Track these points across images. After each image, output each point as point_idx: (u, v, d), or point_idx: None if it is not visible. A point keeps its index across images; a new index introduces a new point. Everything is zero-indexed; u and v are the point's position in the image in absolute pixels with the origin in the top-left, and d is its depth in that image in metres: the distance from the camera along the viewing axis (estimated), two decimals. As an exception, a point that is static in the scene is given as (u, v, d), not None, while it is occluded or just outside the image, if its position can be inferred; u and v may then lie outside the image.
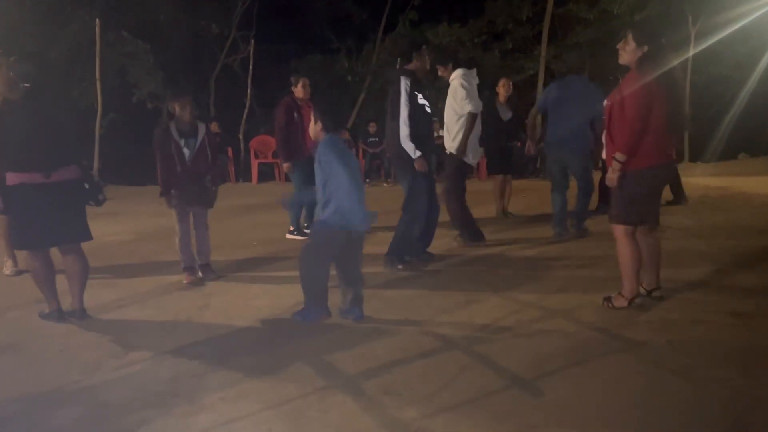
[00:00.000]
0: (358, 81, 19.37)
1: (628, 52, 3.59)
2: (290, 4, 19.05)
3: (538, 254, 5.34)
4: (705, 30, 13.88)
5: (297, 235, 6.32)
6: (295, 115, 6.24)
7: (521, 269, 4.85)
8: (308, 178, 5.15)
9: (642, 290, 3.76)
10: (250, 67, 15.91)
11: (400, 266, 4.79)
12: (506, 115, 7.20)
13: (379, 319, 3.68)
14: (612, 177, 3.62)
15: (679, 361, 2.93)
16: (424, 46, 4.89)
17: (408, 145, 4.66)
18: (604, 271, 4.48)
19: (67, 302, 3.87)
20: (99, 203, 3.92)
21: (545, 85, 10.03)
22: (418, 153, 4.65)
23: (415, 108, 4.67)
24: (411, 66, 4.79)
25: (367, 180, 13.15)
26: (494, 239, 5.97)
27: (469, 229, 5.71)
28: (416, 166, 4.67)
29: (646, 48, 3.52)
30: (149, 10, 15.31)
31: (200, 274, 4.76)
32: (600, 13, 15.81)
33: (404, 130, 4.65)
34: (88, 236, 3.89)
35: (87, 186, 3.83)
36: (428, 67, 4.94)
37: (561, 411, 2.47)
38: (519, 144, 8.23)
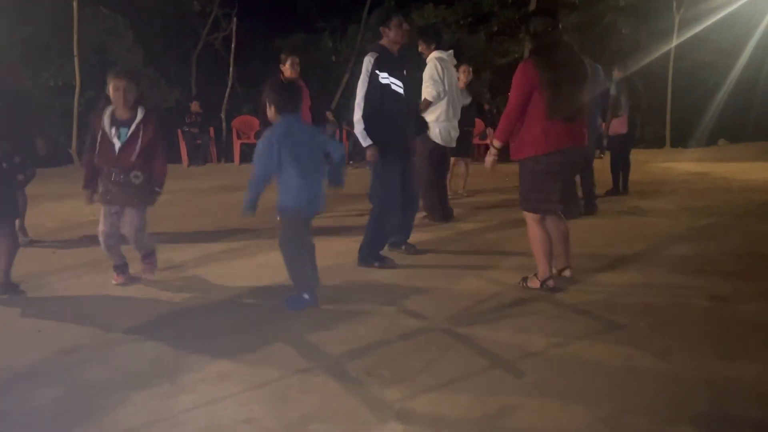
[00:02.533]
0: (343, 61, 19.19)
1: (525, 44, 3.78)
2: (274, -18, 18.76)
3: (519, 236, 5.36)
4: (689, 16, 13.94)
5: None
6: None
7: (503, 251, 4.87)
8: None
9: (554, 271, 3.85)
10: (233, 46, 15.66)
11: (377, 264, 4.35)
12: (465, 100, 7.24)
13: (362, 301, 3.67)
14: (488, 160, 3.89)
15: (659, 343, 2.97)
16: (394, 18, 4.27)
17: (358, 130, 4.20)
18: (588, 254, 4.51)
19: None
20: (20, 184, 3.90)
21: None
22: (369, 141, 4.15)
23: (375, 88, 4.15)
24: (383, 41, 4.29)
25: (351, 162, 13.09)
26: (473, 222, 6.00)
27: (436, 209, 5.93)
28: (367, 155, 4.22)
29: (528, 37, 3.82)
30: (129, -15, 14.95)
31: (141, 270, 4.25)
32: (585, -2, 15.81)
33: (356, 112, 4.20)
34: (13, 213, 3.87)
35: (4, 165, 3.69)
36: (402, 40, 4.28)
37: (542, 391, 2.49)
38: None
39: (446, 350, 2.92)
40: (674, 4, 14.35)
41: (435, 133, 5.70)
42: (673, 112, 15.22)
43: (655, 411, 2.32)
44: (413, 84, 4.46)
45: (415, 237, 4.96)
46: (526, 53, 3.86)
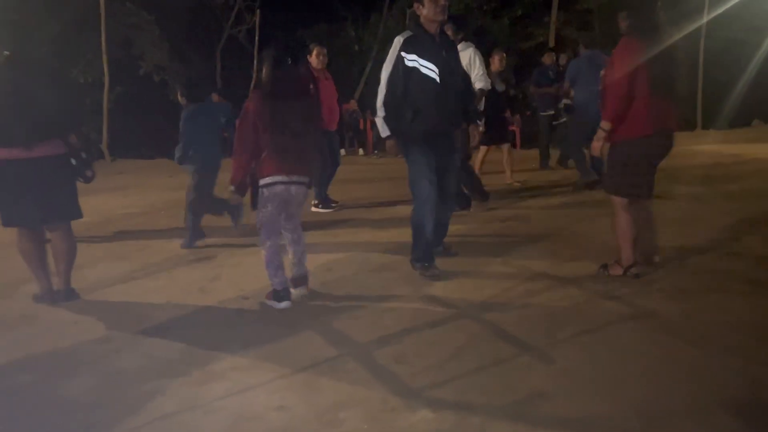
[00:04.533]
0: (366, 50, 19.14)
1: (620, 19, 3.63)
2: (296, -27, 18.77)
3: (547, 223, 5.31)
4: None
5: (322, 208, 6.25)
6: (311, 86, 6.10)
7: (531, 238, 4.82)
8: (322, 151, 5.04)
9: (640, 258, 3.72)
10: (256, 38, 15.75)
11: (417, 267, 3.94)
12: (499, 87, 7.18)
13: (388, 290, 3.68)
14: (595, 145, 3.66)
15: (692, 329, 2.91)
16: None
17: (379, 120, 3.89)
18: (615, 239, 4.43)
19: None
20: (87, 180, 3.71)
21: (557, 52, 9.85)
22: (387, 132, 3.84)
23: (399, 71, 3.77)
24: (421, 19, 3.84)
25: (376, 152, 13.08)
26: (502, 208, 5.95)
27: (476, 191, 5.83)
28: (387, 148, 3.93)
29: (625, 13, 3.58)
30: (154, -20, 15.12)
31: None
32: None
33: (379, 99, 3.87)
34: (77, 214, 3.71)
35: (74, 162, 3.62)
36: (438, 17, 3.79)
37: (572, 379, 2.47)
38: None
39: (474, 337, 2.91)
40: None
41: None
42: (704, 93, 14.84)
43: (689, 398, 2.28)
44: (456, 67, 3.99)
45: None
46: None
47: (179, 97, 5.21)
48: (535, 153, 9.63)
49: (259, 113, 3.41)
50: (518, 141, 12.48)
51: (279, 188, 3.45)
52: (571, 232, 4.91)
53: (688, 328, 2.92)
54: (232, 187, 3.58)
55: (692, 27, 13.32)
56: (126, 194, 8.05)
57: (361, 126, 13.62)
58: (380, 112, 3.86)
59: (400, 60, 3.77)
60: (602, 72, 3.80)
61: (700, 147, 10.51)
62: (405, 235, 4.91)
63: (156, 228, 5.84)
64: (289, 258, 3.63)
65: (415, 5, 3.83)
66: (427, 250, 3.92)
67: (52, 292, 3.72)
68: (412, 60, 3.77)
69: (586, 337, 2.87)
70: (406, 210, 5.95)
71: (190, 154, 4.98)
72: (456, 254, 4.30)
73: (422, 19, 3.82)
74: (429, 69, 3.77)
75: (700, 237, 4.49)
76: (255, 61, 15.66)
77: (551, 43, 15.74)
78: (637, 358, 2.63)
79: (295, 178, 3.48)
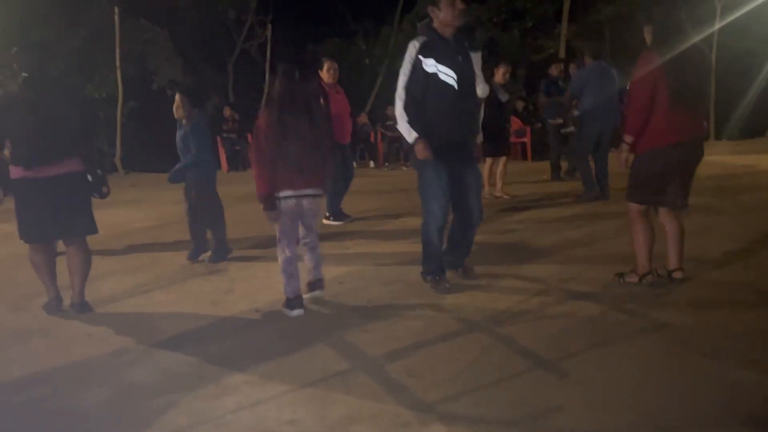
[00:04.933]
0: (376, 64, 19.26)
1: (645, 33, 3.65)
2: (307, -12, 18.99)
3: (557, 237, 5.28)
4: (731, 3, 13.52)
5: (333, 220, 6.23)
6: (321, 100, 6.13)
7: (542, 250, 4.80)
8: (334, 163, 5.05)
9: (662, 270, 3.72)
10: (268, 52, 15.89)
11: (428, 280, 3.88)
12: (503, 97, 7.18)
13: (400, 302, 3.68)
14: (620, 158, 3.66)
15: (706, 341, 2.88)
16: None
17: (402, 125, 3.66)
18: (627, 250, 4.40)
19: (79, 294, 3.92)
20: (102, 195, 3.81)
21: (566, 63, 9.89)
22: (415, 135, 3.60)
23: (418, 77, 3.60)
24: (435, 23, 3.69)
25: (386, 164, 13.12)
26: (511, 220, 5.93)
27: None
28: (416, 152, 3.65)
29: (651, 27, 3.59)
30: (167, -3, 15.36)
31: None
32: (623, -8, 15.51)
33: (397, 105, 3.68)
34: (92, 229, 3.77)
35: (90, 178, 3.71)
36: (455, 22, 3.64)
37: (586, 392, 2.45)
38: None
39: (488, 351, 2.90)
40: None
41: None
42: (717, 103, 14.76)
43: (703, 410, 2.26)
44: (472, 74, 3.80)
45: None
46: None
47: (180, 110, 4.86)
48: (545, 165, 9.61)
49: (269, 127, 3.48)
50: (529, 152, 12.48)
51: (290, 202, 3.54)
52: (582, 244, 4.89)
53: (702, 340, 2.89)
54: (262, 202, 3.57)
55: (703, 35, 13.34)
56: (139, 207, 8.12)
57: (372, 139, 13.67)
58: (402, 118, 3.66)
59: (418, 64, 3.61)
60: (616, 82, 3.85)
61: (713, 157, 10.42)
62: (416, 247, 4.90)
63: (169, 241, 5.88)
64: (305, 264, 3.73)
65: (430, 9, 3.69)
66: (437, 262, 3.86)
67: (60, 300, 3.79)
68: (431, 65, 3.61)
69: (600, 349, 2.85)
70: (416, 222, 5.96)
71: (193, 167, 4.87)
72: (475, 279, 4.03)
73: (437, 24, 3.67)
74: (448, 75, 3.63)
75: (713, 248, 4.45)
76: (267, 75, 15.82)
77: (561, 55, 15.77)
78: (651, 371, 2.61)
79: (305, 191, 3.55)
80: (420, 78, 3.61)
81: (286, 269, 3.59)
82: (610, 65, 7.15)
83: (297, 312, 3.53)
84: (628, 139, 3.58)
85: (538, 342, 2.95)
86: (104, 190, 3.80)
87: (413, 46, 3.64)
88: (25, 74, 3.56)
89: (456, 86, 3.64)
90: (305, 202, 3.58)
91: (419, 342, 3.03)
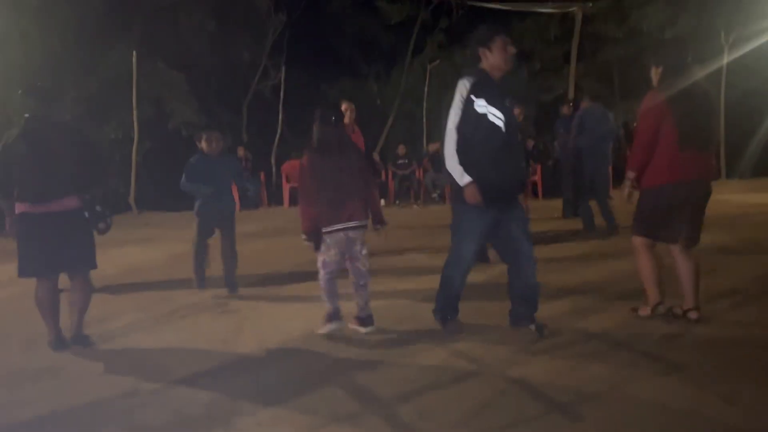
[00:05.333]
0: (387, 104, 19.56)
1: (653, 75, 3.76)
2: (320, 31, 19.48)
3: (568, 275, 5.25)
4: (738, 43, 13.67)
5: None
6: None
7: (554, 290, 4.76)
8: None
9: (677, 310, 3.72)
10: (281, 93, 16.19)
11: (438, 320, 3.79)
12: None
13: (412, 342, 3.65)
14: (623, 194, 3.80)
15: (724, 384, 2.82)
16: (498, 38, 3.56)
17: (453, 166, 3.53)
18: (638, 286, 4.36)
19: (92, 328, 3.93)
20: (101, 231, 3.93)
21: (575, 103, 10.03)
22: (468, 178, 3.46)
23: (469, 117, 3.48)
24: (482, 64, 3.61)
25: (397, 202, 13.19)
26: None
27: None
28: (466, 197, 3.49)
29: (661, 68, 3.70)
30: (184, 42, 15.79)
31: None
32: (629, 31, 15.71)
33: (447, 145, 3.53)
34: (91, 264, 3.89)
35: (87, 215, 3.83)
36: (506, 66, 3.61)
37: (601, 436, 2.40)
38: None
39: (500, 393, 2.86)
40: (722, 34, 14.10)
41: None
42: (727, 143, 14.78)
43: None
44: (514, 119, 3.74)
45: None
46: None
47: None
48: (556, 203, 9.61)
49: (310, 168, 3.85)
50: (540, 191, 12.51)
51: (340, 235, 3.82)
52: (592, 283, 4.85)
53: (719, 383, 2.83)
54: (304, 236, 3.86)
55: (709, 74, 13.48)
56: (151, 246, 8.17)
57: (383, 177, 13.79)
58: (453, 158, 3.51)
59: (470, 104, 3.49)
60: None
61: (724, 196, 10.38)
62: (426, 285, 4.89)
63: (179, 278, 5.90)
64: (356, 302, 3.93)
65: (481, 51, 3.58)
66: (452, 303, 3.80)
67: (61, 337, 3.85)
68: (482, 105, 3.49)
69: (615, 392, 2.80)
70: (426, 259, 5.97)
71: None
72: (549, 336, 3.57)
73: (486, 66, 3.58)
74: (497, 117, 3.52)
75: (728, 288, 4.40)
76: (280, 115, 16.08)
77: (570, 95, 15.92)
78: (667, 416, 2.56)
79: (349, 224, 3.82)
80: (470, 118, 3.49)
81: (326, 289, 3.88)
82: (605, 108, 7.71)
83: (327, 327, 3.83)
84: (631, 174, 3.71)
85: (551, 384, 2.91)
86: (101, 226, 3.92)
87: (464, 85, 3.52)
88: (27, 115, 3.75)
89: (504, 129, 3.55)
90: (351, 233, 3.83)
91: (431, 383, 3.00)
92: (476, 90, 3.50)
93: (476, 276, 5.25)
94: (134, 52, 12.72)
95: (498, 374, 3.10)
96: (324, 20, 19.55)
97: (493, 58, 3.56)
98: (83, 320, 3.90)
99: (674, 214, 3.62)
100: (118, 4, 14.15)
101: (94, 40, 13.79)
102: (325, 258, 3.84)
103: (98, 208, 3.91)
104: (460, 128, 3.50)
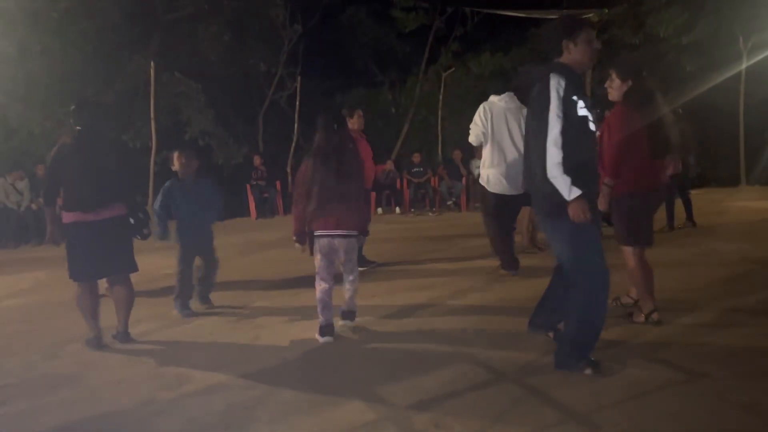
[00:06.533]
0: (402, 113, 19.60)
1: (614, 89, 3.92)
2: (335, 41, 19.61)
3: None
4: (757, 49, 13.52)
5: (359, 266, 6.21)
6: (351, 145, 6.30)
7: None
8: None
9: (628, 299, 4.19)
10: (297, 103, 16.29)
11: (588, 370, 3.11)
12: None
13: (428, 351, 3.64)
14: (601, 201, 3.80)
15: (744, 394, 2.78)
16: (584, 31, 3.10)
17: (559, 179, 2.94)
18: (664, 298, 4.31)
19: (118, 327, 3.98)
20: (144, 237, 4.20)
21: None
22: (576, 191, 2.92)
23: (572, 121, 2.96)
24: (564, 58, 3.13)
25: (412, 210, 13.19)
26: (537, 269, 5.86)
27: (503, 257, 5.66)
28: (571, 213, 2.95)
29: (630, 82, 3.86)
30: (200, 52, 15.97)
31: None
32: (646, 37, 15.61)
33: (555, 154, 2.94)
34: (134, 267, 4.16)
35: (132, 221, 4.10)
36: (591, 62, 3.17)
37: (620, 447, 2.37)
38: None
39: (517, 402, 2.84)
40: (740, 39, 13.97)
41: (484, 179, 5.67)
42: (747, 150, 14.60)
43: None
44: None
45: (479, 286, 4.88)
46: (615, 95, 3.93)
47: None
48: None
49: (307, 171, 3.98)
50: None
51: (323, 241, 3.97)
52: (610, 294, 4.79)
53: (740, 392, 2.79)
54: (294, 237, 4.07)
55: (730, 74, 13.38)
56: (169, 254, 8.20)
57: (398, 185, 13.80)
58: (558, 169, 2.94)
59: (572, 106, 2.97)
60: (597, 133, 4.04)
61: (744, 203, 10.25)
62: (442, 294, 4.89)
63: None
64: (344, 294, 4.16)
65: (565, 43, 3.10)
66: (593, 342, 3.19)
67: (101, 338, 4.09)
68: (582, 108, 3.01)
69: (633, 402, 2.77)
70: (442, 267, 5.96)
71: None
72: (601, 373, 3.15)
73: (568, 61, 3.12)
74: (589, 119, 3.06)
75: (747, 296, 4.34)
76: (296, 124, 16.17)
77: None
78: (686, 426, 2.52)
79: (336, 232, 3.93)
80: (573, 121, 2.97)
81: (320, 299, 3.97)
82: None
83: (325, 339, 3.90)
84: (609, 182, 3.83)
85: (569, 393, 2.89)
86: (145, 231, 4.18)
87: (558, 84, 2.97)
88: (79, 128, 3.99)
89: (595, 132, 3.16)
90: (336, 241, 3.96)
91: (447, 392, 2.99)
92: (576, 90, 3.00)
93: (492, 285, 5.24)
94: (152, 63, 12.89)
95: (515, 383, 3.07)
96: (339, 30, 19.68)
97: (578, 53, 3.10)
98: (128, 318, 4.17)
99: (649, 216, 3.95)
100: (136, 17, 14.38)
101: (112, 52, 14.01)
102: (316, 263, 4.02)
103: (140, 214, 4.16)
104: (567, 135, 2.94)
